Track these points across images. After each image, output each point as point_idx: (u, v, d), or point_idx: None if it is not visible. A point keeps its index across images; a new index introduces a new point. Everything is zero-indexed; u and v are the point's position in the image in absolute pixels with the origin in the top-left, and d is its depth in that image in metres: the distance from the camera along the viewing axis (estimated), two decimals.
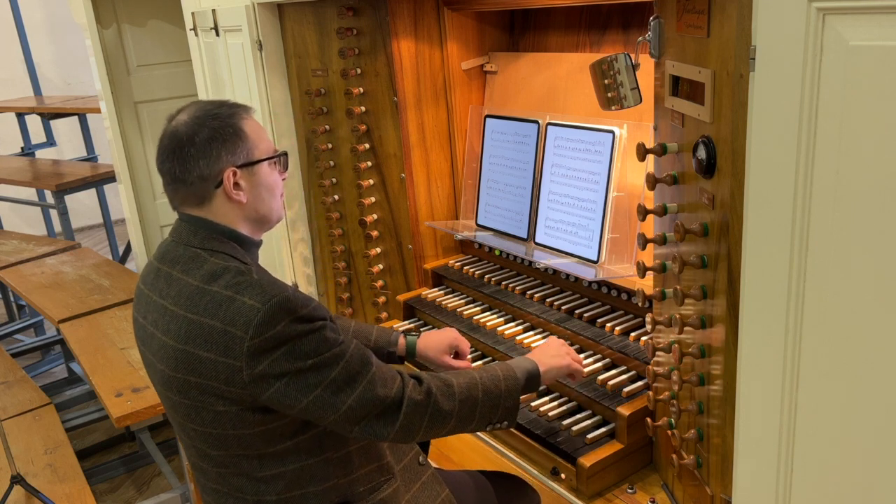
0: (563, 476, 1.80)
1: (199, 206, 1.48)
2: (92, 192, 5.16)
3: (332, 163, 2.70)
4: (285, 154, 1.58)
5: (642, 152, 1.56)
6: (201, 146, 1.43)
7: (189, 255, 1.46)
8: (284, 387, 1.36)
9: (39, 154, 5.81)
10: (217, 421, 1.41)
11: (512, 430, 1.92)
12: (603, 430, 1.83)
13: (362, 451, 1.54)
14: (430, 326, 2.48)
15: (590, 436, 1.82)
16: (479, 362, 2.21)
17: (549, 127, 2.29)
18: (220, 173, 1.45)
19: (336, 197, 2.73)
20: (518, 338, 2.20)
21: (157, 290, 1.48)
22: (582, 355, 2.07)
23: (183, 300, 1.41)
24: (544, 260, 2.24)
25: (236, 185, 1.46)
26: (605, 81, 1.73)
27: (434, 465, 1.73)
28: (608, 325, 2.08)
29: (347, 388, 1.39)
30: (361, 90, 2.54)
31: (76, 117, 5.37)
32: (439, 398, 1.48)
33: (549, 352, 1.75)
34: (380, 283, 2.73)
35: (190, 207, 1.49)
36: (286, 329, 1.34)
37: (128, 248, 4.74)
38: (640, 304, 1.73)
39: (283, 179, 1.57)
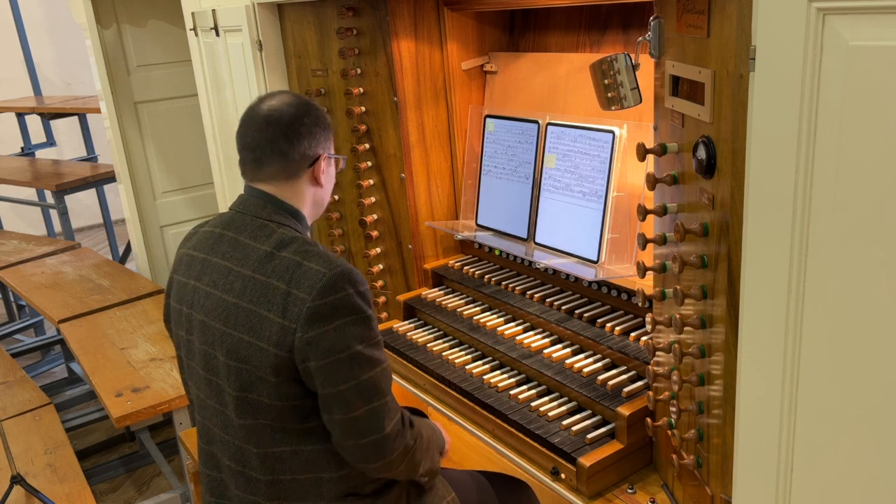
0: (563, 476, 1.80)
1: (284, 181, 1.57)
2: (92, 192, 5.17)
3: None
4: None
5: (642, 152, 1.57)
6: (309, 127, 1.56)
7: (257, 224, 1.54)
8: (317, 369, 1.41)
9: (39, 154, 5.80)
10: (256, 386, 1.45)
11: (512, 429, 1.93)
12: (603, 430, 1.83)
13: None
14: (430, 327, 2.48)
15: (590, 436, 1.82)
16: (480, 362, 2.22)
17: (549, 127, 2.29)
18: (317, 155, 1.59)
19: (336, 197, 2.73)
20: (518, 338, 2.20)
21: (218, 253, 1.55)
22: (582, 355, 2.07)
23: (251, 262, 1.49)
24: (544, 260, 2.24)
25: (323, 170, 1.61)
26: (605, 81, 1.73)
27: None
28: (608, 325, 2.08)
29: (367, 396, 1.44)
30: (361, 90, 2.54)
31: (76, 117, 5.37)
32: (417, 450, 1.56)
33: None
34: (380, 283, 2.73)
35: (269, 181, 1.57)
36: (346, 299, 1.41)
37: (128, 248, 4.74)
38: (640, 304, 1.73)
39: None
